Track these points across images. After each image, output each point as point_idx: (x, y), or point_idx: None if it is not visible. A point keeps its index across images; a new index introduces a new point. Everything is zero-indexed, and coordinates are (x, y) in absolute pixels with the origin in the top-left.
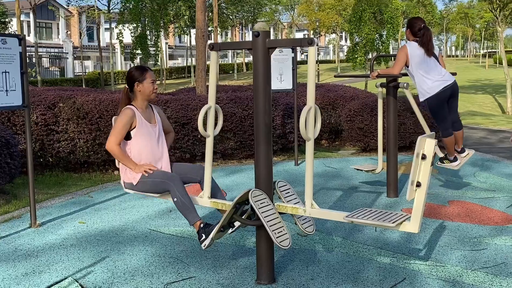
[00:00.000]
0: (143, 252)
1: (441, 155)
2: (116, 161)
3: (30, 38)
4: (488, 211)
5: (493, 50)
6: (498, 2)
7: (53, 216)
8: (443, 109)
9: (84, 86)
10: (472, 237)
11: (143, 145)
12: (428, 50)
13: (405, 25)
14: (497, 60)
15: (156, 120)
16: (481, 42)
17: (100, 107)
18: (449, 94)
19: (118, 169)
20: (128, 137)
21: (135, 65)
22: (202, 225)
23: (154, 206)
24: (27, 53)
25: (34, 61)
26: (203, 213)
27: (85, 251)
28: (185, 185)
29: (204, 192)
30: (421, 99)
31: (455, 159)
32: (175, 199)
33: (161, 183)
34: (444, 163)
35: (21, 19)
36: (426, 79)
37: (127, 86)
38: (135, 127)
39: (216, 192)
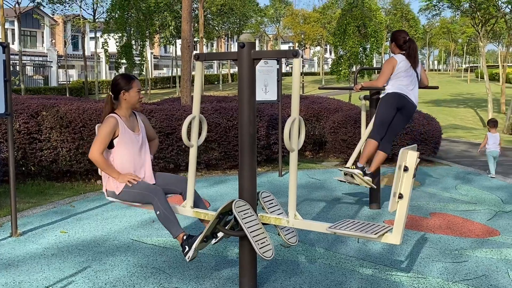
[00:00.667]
0: (125, 263)
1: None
2: (99, 169)
3: (14, 46)
4: (469, 223)
5: (475, 64)
6: (480, 17)
7: (35, 225)
8: (388, 113)
9: (68, 95)
10: (453, 249)
11: (125, 153)
12: (415, 62)
13: (389, 39)
14: (479, 75)
15: (140, 128)
16: (463, 57)
17: (83, 116)
18: (401, 105)
19: (100, 178)
20: (111, 145)
21: (120, 73)
22: (185, 237)
23: (136, 216)
24: (11, 61)
25: (17, 69)
26: (186, 224)
27: (66, 261)
28: (166, 195)
29: (186, 202)
30: (381, 95)
31: (362, 169)
32: (157, 212)
33: (144, 195)
34: (349, 168)
35: (6, 27)
36: (395, 82)
37: (111, 94)
38: (118, 136)
39: (198, 203)
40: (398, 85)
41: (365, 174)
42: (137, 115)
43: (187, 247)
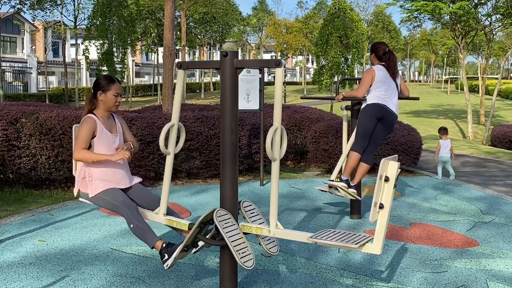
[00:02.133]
0: (104, 272)
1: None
2: (74, 169)
3: None
4: (449, 234)
5: (455, 76)
6: (460, 30)
7: (12, 234)
8: (369, 124)
9: (48, 102)
10: (433, 259)
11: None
12: (394, 73)
13: (369, 50)
14: (459, 86)
15: (118, 130)
16: (443, 68)
17: (63, 123)
18: (381, 115)
19: None
20: (88, 146)
21: (106, 74)
22: (164, 245)
23: (116, 225)
24: None
25: None
26: (163, 232)
27: (44, 270)
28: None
29: (160, 209)
30: (361, 107)
31: (346, 182)
32: (131, 225)
33: (118, 207)
34: (334, 181)
35: None
36: (375, 92)
37: (92, 91)
38: (95, 136)
39: (171, 212)
40: (377, 95)
41: (349, 186)
42: (115, 117)
43: (166, 254)
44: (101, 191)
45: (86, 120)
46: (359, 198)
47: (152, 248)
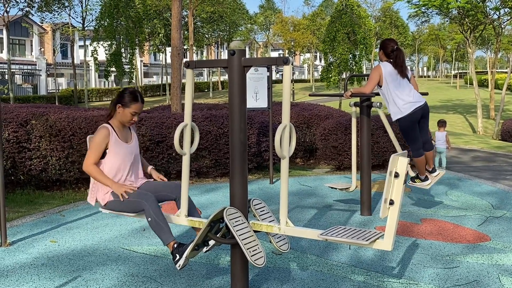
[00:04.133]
0: (116, 272)
1: (412, 174)
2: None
3: (3, 55)
4: (460, 229)
5: (463, 71)
6: (468, 24)
7: (24, 235)
8: (414, 130)
9: (57, 104)
10: (444, 255)
11: (116, 163)
12: (402, 71)
13: (378, 46)
14: (468, 81)
15: (133, 138)
16: (452, 63)
17: (73, 124)
18: (420, 115)
19: None
20: (102, 154)
21: (134, 88)
22: (176, 245)
23: (127, 225)
24: (0, 70)
25: (6, 78)
26: (179, 231)
27: (57, 270)
28: (160, 203)
29: (181, 211)
30: (393, 119)
31: (426, 179)
32: (149, 219)
33: (135, 202)
34: (415, 182)
35: None
36: (398, 99)
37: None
38: (108, 146)
39: (192, 211)
40: (403, 104)
41: (430, 173)
42: (131, 128)
43: (177, 255)
44: (111, 191)
45: (100, 131)
46: (443, 171)
47: (165, 245)
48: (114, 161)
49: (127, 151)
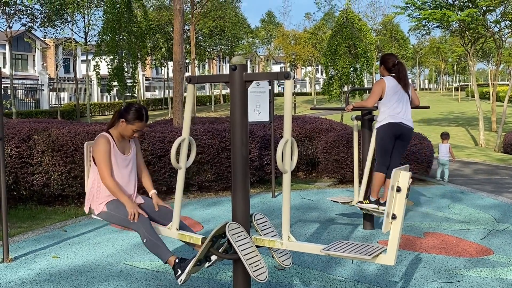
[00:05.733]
0: None
1: (360, 198)
2: (86, 185)
3: (6, 70)
4: (463, 243)
5: (465, 83)
6: (469, 37)
7: (26, 251)
8: (387, 144)
9: (59, 118)
10: (447, 269)
11: (112, 173)
12: (405, 85)
13: (379, 60)
14: (469, 93)
15: (131, 150)
16: (453, 76)
17: (75, 139)
18: (398, 133)
19: None
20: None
21: (141, 105)
22: (177, 260)
23: (129, 240)
24: (2, 85)
25: (9, 93)
26: (177, 246)
27: (59, 286)
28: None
29: (172, 224)
30: (375, 127)
31: (376, 202)
32: (144, 240)
33: (129, 222)
34: (363, 203)
35: None
36: (389, 110)
37: (121, 110)
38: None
39: (183, 226)
40: (390, 114)
41: (380, 204)
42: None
43: (179, 270)
44: (109, 200)
45: (100, 140)
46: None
47: (165, 263)
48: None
49: (124, 162)
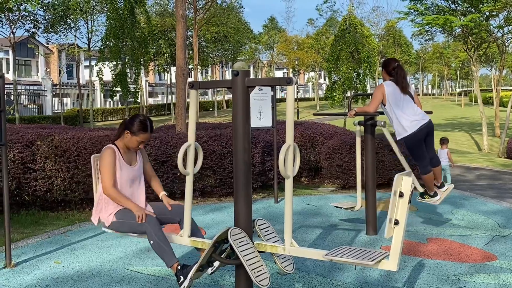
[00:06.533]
0: None
1: (421, 190)
2: (95, 197)
3: (9, 76)
4: (466, 248)
5: (468, 88)
6: (472, 42)
7: (29, 256)
8: (420, 148)
9: (62, 124)
10: (451, 275)
11: (119, 186)
12: (403, 87)
13: (381, 66)
14: (473, 99)
15: (138, 161)
16: (456, 81)
17: (78, 145)
18: (426, 133)
19: None
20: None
21: (146, 116)
22: (179, 267)
23: (132, 245)
24: (5, 90)
25: (12, 99)
26: (182, 252)
27: None
28: (163, 225)
29: (184, 231)
30: (398, 138)
31: (435, 194)
32: (151, 242)
33: (138, 225)
34: (424, 198)
35: (0, 56)
36: (402, 119)
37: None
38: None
39: (195, 231)
40: (408, 123)
41: (438, 188)
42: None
43: (181, 276)
44: (117, 210)
45: (106, 152)
46: (451, 185)
47: (169, 267)
48: (118, 183)
49: (130, 174)
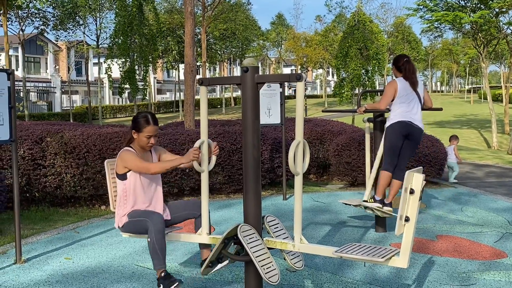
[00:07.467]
0: None
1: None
2: (111, 203)
3: (18, 73)
4: (476, 245)
5: (477, 85)
6: (481, 39)
7: (39, 252)
8: (396, 142)
9: (71, 121)
10: (461, 272)
11: (138, 186)
12: (413, 82)
13: (391, 62)
14: (482, 96)
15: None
16: (465, 78)
17: (87, 141)
18: (407, 132)
19: (105, 204)
20: (124, 177)
21: (146, 111)
22: (163, 274)
23: (141, 241)
24: (15, 88)
25: (21, 95)
26: (183, 250)
27: None
28: (181, 223)
29: (202, 229)
30: (386, 125)
31: (380, 202)
32: (148, 239)
33: (142, 221)
34: (367, 201)
35: (10, 53)
36: (398, 108)
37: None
38: (130, 170)
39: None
40: (401, 112)
41: (384, 205)
42: (152, 149)
43: (162, 285)
44: (130, 211)
45: (124, 152)
46: (395, 215)
47: (154, 269)
48: (137, 184)
49: (148, 177)
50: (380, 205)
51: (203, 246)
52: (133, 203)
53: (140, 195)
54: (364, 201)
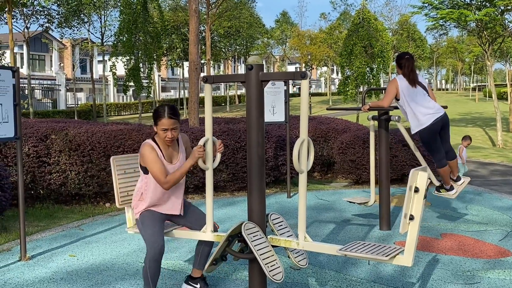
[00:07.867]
0: (134, 286)
1: (437, 183)
2: (116, 199)
3: (23, 70)
4: (481, 244)
5: (482, 83)
6: (486, 37)
7: (43, 249)
8: (436, 141)
9: (76, 118)
10: (465, 270)
11: (158, 186)
12: (410, 79)
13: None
14: (487, 94)
15: (179, 158)
16: (470, 76)
17: (92, 139)
18: (441, 126)
19: (109, 201)
20: (146, 171)
21: (165, 104)
22: None
23: None
24: (20, 85)
25: (26, 93)
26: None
27: (75, 285)
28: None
29: (207, 227)
30: (413, 132)
31: (452, 188)
32: (143, 265)
33: (146, 235)
34: (440, 192)
35: (15, 51)
36: (417, 112)
37: None
38: None
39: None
40: (422, 113)
41: (454, 182)
42: (179, 143)
43: None
44: (144, 209)
45: (145, 148)
46: (468, 178)
47: None
48: (152, 181)
49: (169, 170)
50: (455, 190)
51: (197, 264)
52: (150, 200)
53: (160, 191)
54: (438, 192)
